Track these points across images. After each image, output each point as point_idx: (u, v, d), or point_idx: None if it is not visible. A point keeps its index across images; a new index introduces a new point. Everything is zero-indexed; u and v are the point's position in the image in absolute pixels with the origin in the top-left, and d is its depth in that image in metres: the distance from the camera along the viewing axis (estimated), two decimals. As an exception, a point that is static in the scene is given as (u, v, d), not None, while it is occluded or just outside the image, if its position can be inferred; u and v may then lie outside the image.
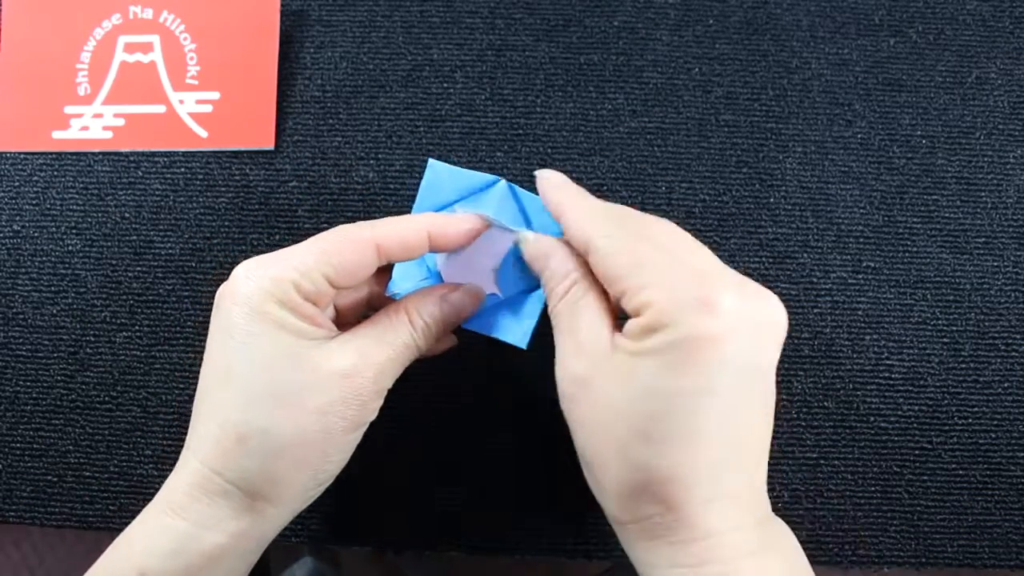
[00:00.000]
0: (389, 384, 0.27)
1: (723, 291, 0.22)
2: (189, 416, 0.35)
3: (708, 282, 0.23)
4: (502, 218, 0.30)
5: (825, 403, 0.36)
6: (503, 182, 0.31)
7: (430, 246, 0.28)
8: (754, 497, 0.24)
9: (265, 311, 0.25)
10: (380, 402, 0.27)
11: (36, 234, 0.38)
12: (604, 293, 0.26)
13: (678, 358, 0.22)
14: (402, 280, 0.31)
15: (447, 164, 0.31)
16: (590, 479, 0.25)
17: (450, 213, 0.30)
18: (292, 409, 0.24)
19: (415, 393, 0.35)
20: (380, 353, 0.26)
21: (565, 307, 0.26)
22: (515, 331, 0.30)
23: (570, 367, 0.25)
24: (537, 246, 0.28)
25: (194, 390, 0.36)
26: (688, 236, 0.25)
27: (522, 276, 0.31)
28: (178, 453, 0.34)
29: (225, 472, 0.25)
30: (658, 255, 0.24)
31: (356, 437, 0.27)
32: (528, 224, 0.31)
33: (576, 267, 0.26)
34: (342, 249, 0.26)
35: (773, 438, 0.35)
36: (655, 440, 0.22)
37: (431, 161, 0.31)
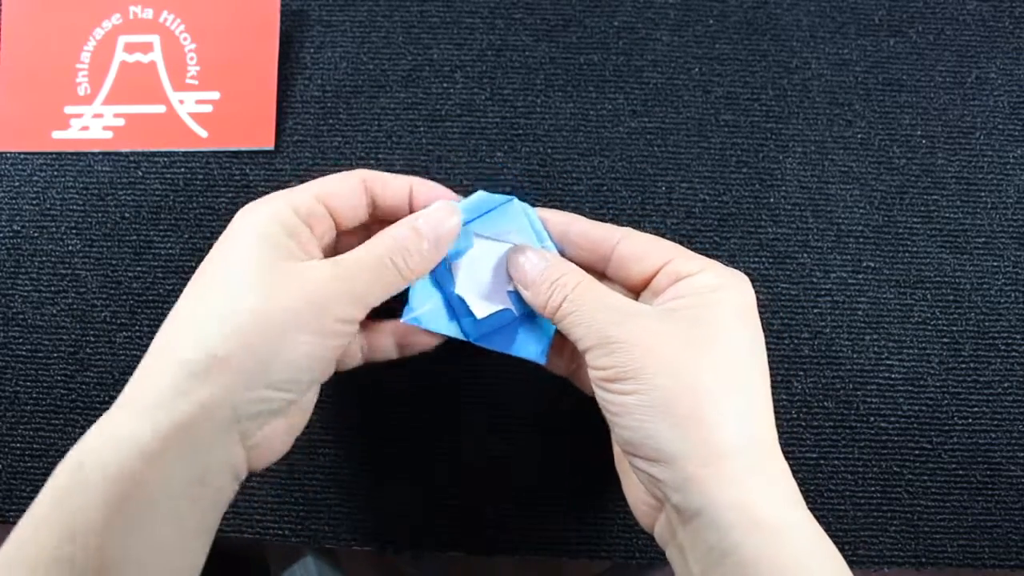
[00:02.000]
0: (356, 314, 0.27)
1: (715, 263, 0.28)
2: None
3: (704, 259, 0.28)
4: (516, 235, 0.31)
5: (825, 403, 0.36)
6: (515, 200, 0.31)
7: (411, 199, 0.30)
8: (767, 431, 0.26)
9: (258, 226, 0.27)
10: (342, 340, 0.27)
11: (36, 234, 0.38)
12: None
13: (702, 302, 0.27)
14: (419, 303, 0.31)
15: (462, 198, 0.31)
16: (671, 434, 0.25)
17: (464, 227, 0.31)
18: (258, 292, 0.25)
19: (415, 393, 0.35)
20: (359, 275, 0.27)
21: (581, 291, 0.28)
22: (532, 348, 0.31)
23: (604, 331, 0.26)
24: (517, 255, 0.30)
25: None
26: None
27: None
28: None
29: (180, 354, 0.25)
30: (669, 243, 0.29)
31: (316, 356, 0.26)
32: (540, 240, 0.31)
33: (570, 264, 0.29)
34: (331, 178, 0.29)
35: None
36: (693, 372, 0.25)
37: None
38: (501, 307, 0.30)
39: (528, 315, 0.31)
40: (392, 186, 0.30)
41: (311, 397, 0.29)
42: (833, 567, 0.24)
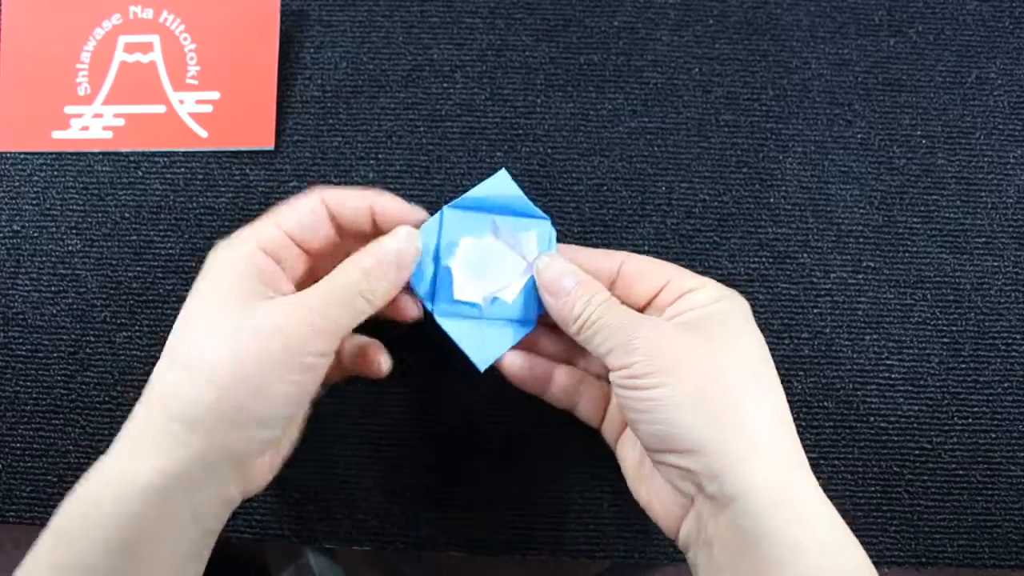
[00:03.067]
0: (329, 347, 0.27)
1: (711, 281, 0.30)
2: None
3: (700, 277, 0.30)
4: (527, 244, 0.32)
5: (825, 403, 0.36)
6: (549, 224, 0.32)
7: (373, 216, 0.30)
8: (784, 425, 0.27)
9: (227, 271, 0.27)
10: (319, 372, 0.27)
11: (36, 234, 0.38)
12: None
13: (710, 318, 0.28)
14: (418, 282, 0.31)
15: (514, 182, 0.32)
16: (704, 423, 0.26)
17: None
18: (233, 343, 0.26)
19: (415, 393, 0.35)
20: (331, 307, 0.27)
21: (604, 306, 0.29)
22: (481, 353, 0.31)
23: (638, 333, 0.27)
24: (555, 265, 0.30)
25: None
26: None
27: (526, 304, 0.31)
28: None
29: (164, 404, 0.26)
30: (668, 263, 0.31)
31: (295, 392, 0.27)
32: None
33: (592, 278, 0.30)
34: (291, 207, 0.29)
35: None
36: (716, 368, 0.27)
37: (504, 170, 0.32)
38: (477, 301, 0.31)
39: (495, 324, 0.31)
40: (350, 205, 0.30)
41: (298, 423, 0.31)
42: (862, 555, 0.25)
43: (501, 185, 0.31)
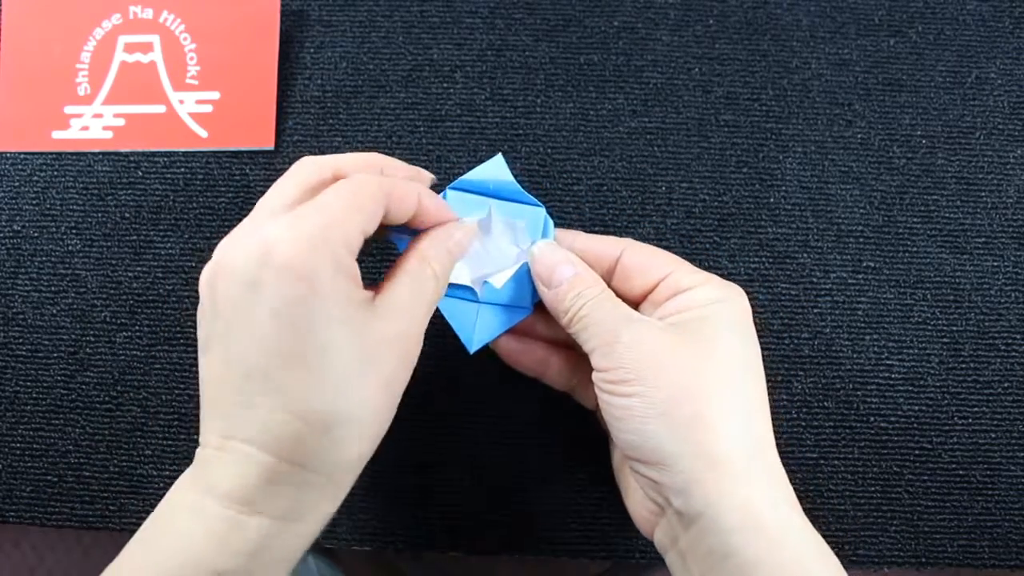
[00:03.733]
0: (422, 341, 0.27)
1: (712, 278, 0.29)
2: (190, 416, 0.36)
3: (701, 272, 0.29)
4: (524, 231, 0.31)
5: (825, 403, 0.36)
6: (543, 210, 0.32)
7: (415, 214, 0.28)
8: (764, 432, 0.27)
9: (331, 288, 0.23)
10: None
11: (36, 234, 0.38)
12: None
13: (700, 318, 0.27)
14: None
15: (508, 169, 0.32)
16: (671, 436, 0.26)
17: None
18: (364, 386, 0.24)
19: (415, 393, 0.35)
20: (419, 308, 0.26)
21: (611, 297, 0.28)
22: (472, 334, 0.31)
23: (622, 335, 0.27)
24: (549, 254, 0.30)
25: (194, 390, 0.36)
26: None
27: (519, 290, 0.31)
28: (178, 452, 0.34)
29: (301, 458, 0.23)
30: (670, 255, 0.30)
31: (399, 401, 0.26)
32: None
33: (588, 269, 0.29)
34: (368, 202, 0.25)
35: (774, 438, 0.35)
36: (698, 373, 0.26)
37: (500, 156, 0.32)
38: (470, 284, 0.31)
39: (489, 308, 0.31)
40: (406, 204, 0.27)
41: None
42: (834, 568, 0.25)
43: (497, 170, 0.31)
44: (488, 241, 0.31)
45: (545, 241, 0.31)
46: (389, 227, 0.28)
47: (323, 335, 0.23)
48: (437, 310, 0.30)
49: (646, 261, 0.29)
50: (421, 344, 0.26)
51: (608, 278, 0.30)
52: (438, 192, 0.30)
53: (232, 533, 0.22)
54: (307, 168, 0.26)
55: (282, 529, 0.23)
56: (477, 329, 0.31)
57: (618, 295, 0.29)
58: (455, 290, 0.31)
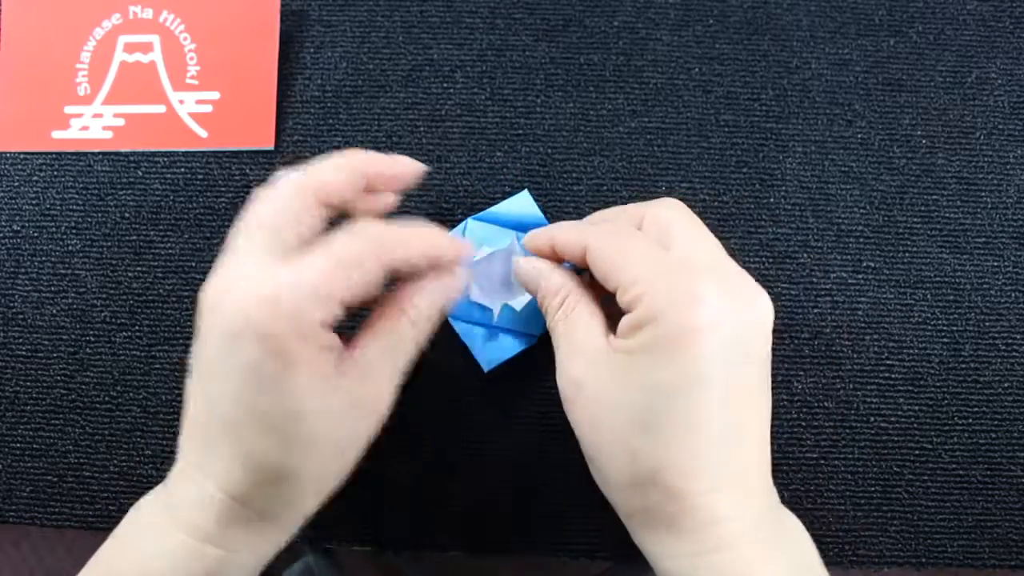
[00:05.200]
0: (395, 391, 0.27)
1: (706, 284, 0.24)
2: (189, 416, 0.36)
3: (693, 275, 0.24)
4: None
5: (825, 403, 0.36)
6: (526, 191, 0.34)
7: (427, 259, 0.27)
8: (758, 486, 0.25)
9: (302, 355, 0.23)
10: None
11: (36, 234, 0.38)
12: (596, 302, 0.27)
13: (667, 351, 0.23)
14: None
15: (536, 204, 0.34)
16: (596, 475, 0.26)
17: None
18: (324, 451, 0.25)
19: (415, 393, 0.35)
20: (388, 368, 0.26)
21: (561, 317, 0.27)
22: (486, 355, 0.33)
23: (568, 371, 0.26)
24: (528, 266, 0.29)
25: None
26: (688, 218, 0.27)
27: (530, 320, 0.33)
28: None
29: (256, 506, 0.25)
30: (648, 249, 0.25)
31: (358, 456, 0.27)
32: None
33: (567, 281, 0.28)
34: (352, 272, 0.24)
35: (773, 438, 0.35)
36: (653, 431, 0.24)
37: (526, 191, 0.34)
38: (490, 306, 0.32)
39: (504, 331, 0.33)
40: (414, 261, 0.26)
41: None
42: None
43: (523, 205, 0.34)
44: (511, 267, 0.32)
45: (523, 258, 0.30)
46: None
47: (287, 403, 0.24)
48: (447, 325, 0.30)
49: (608, 264, 0.26)
50: (392, 398, 0.26)
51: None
52: (459, 220, 0.31)
53: (185, 557, 0.25)
54: (286, 196, 0.25)
55: (227, 559, 0.25)
56: (492, 350, 0.33)
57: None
58: (471, 311, 0.32)
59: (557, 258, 0.29)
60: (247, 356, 0.23)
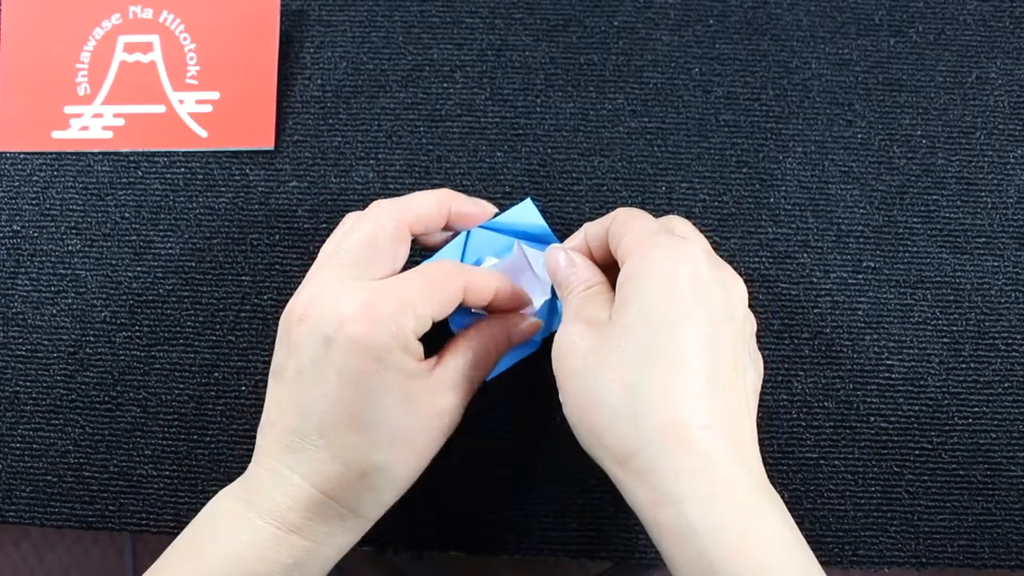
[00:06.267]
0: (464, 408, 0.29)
1: (694, 247, 0.27)
2: (189, 416, 0.36)
3: (683, 240, 0.27)
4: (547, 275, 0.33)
5: (825, 403, 0.36)
6: (528, 200, 0.34)
7: (491, 300, 0.30)
8: (751, 449, 0.26)
9: (394, 362, 0.26)
10: None
11: (36, 234, 0.38)
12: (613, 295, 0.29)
13: (656, 292, 0.26)
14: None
15: (539, 213, 0.34)
16: (587, 427, 0.26)
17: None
18: (406, 450, 0.27)
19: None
20: (467, 384, 0.29)
21: (581, 295, 0.29)
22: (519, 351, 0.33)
23: (571, 329, 0.27)
24: (563, 254, 0.31)
25: (194, 390, 0.36)
26: (691, 226, 0.30)
27: (547, 322, 0.33)
28: (178, 452, 0.34)
29: (343, 500, 0.26)
30: (653, 224, 0.29)
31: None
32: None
33: (597, 274, 0.30)
34: (443, 291, 0.27)
35: (773, 438, 0.36)
36: (649, 362, 0.25)
37: (529, 200, 0.34)
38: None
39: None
40: (485, 296, 0.29)
41: None
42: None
43: (527, 214, 0.33)
44: (514, 276, 0.32)
45: (553, 245, 0.32)
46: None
47: (377, 403, 0.26)
48: (446, 324, 0.31)
49: (613, 232, 0.29)
50: (463, 412, 0.29)
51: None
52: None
53: (274, 547, 0.26)
54: (379, 222, 0.28)
55: (313, 550, 0.26)
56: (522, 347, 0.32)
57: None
58: (473, 320, 0.32)
59: (589, 256, 0.31)
60: (342, 357, 0.25)
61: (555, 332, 0.32)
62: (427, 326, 0.27)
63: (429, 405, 0.27)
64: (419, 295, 0.27)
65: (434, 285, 0.27)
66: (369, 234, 0.28)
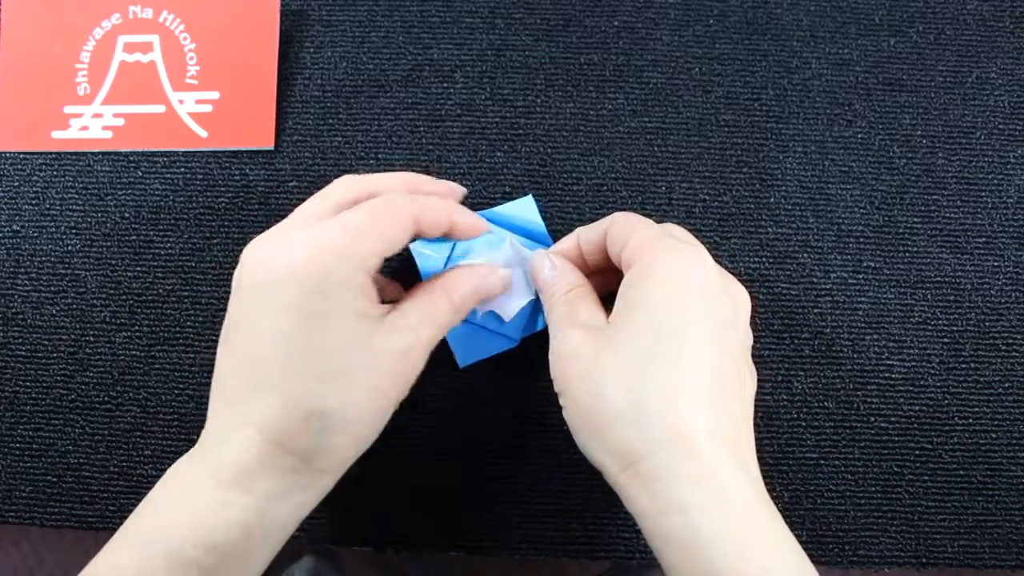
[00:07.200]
0: (426, 360, 0.28)
1: (698, 253, 0.27)
2: (189, 416, 0.36)
3: (687, 246, 0.27)
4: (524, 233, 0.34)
5: (825, 403, 0.36)
6: (530, 197, 0.35)
7: (449, 231, 0.29)
8: (749, 459, 0.26)
9: (340, 297, 0.25)
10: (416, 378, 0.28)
11: (36, 234, 0.38)
12: (599, 303, 0.29)
13: (661, 300, 0.26)
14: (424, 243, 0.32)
15: (537, 210, 0.34)
16: (590, 432, 0.26)
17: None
18: (359, 391, 0.25)
19: (415, 393, 0.35)
20: (428, 331, 0.27)
21: (565, 300, 0.29)
22: (465, 352, 0.34)
23: (568, 337, 0.27)
24: (545, 258, 0.31)
25: (194, 390, 0.36)
26: (687, 232, 0.30)
27: (513, 321, 0.33)
28: (178, 452, 0.34)
29: (291, 445, 0.25)
30: (654, 228, 0.29)
31: (392, 412, 0.28)
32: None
33: (579, 277, 0.30)
34: (389, 228, 0.26)
35: (773, 438, 0.36)
36: (654, 366, 0.25)
37: (530, 196, 0.35)
38: (476, 308, 0.32)
39: (482, 332, 0.33)
40: (440, 225, 0.28)
41: None
42: None
43: (526, 211, 0.34)
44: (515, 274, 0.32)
45: (538, 250, 0.32)
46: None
47: (326, 339, 0.25)
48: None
49: (614, 236, 0.29)
50: (422, 364, 0.27)
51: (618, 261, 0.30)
52: None
53: (219, 508, 0.24)
54: (343, 186, 0.28)
55: (268, 510, 0.25)
56: (470, 348, 0.33)
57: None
58: (489, 317, 0.33)
59: (580, 260, 0.31)
60: (289, 293, 0.25)
61: (538, 332, 0.33)
62: (376, 262, 0.26)
63: (384, 345, 0.26)
64: (365, 231, 0.26)
65: (381, 220, 0.26)
66: (321, 195, 0.28)
